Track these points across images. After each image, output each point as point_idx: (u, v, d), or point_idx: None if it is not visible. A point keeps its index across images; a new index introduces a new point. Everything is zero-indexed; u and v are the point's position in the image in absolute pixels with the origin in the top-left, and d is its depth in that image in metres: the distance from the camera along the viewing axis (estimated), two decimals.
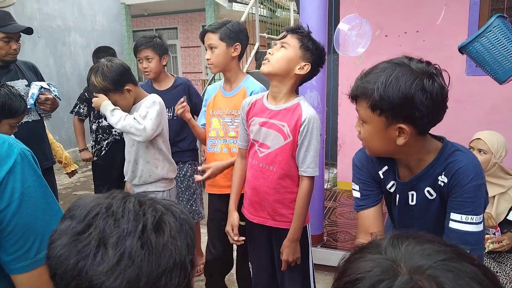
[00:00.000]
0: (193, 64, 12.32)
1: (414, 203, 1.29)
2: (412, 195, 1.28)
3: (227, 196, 2.00)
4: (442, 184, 1.21)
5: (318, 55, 1.75)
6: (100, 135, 3.31)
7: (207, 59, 2.09)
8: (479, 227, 1.18)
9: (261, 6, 8.52)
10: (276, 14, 9.99)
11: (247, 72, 6.55)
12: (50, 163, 2.80)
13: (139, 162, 2.18)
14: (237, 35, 2.07)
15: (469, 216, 1.17)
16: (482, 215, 1.19)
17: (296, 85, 1.79)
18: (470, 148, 2.35)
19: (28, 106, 2.49)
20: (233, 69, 2.14)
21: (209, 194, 2.30)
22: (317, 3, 2.49)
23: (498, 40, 2.10)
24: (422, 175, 1.24)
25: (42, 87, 2.57)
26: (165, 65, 2.82)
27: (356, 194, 1.40)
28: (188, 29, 12.06)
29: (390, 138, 1.17)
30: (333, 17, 2.92)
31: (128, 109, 2.12)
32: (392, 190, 1.34)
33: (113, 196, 0.63)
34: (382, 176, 1.34)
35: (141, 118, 2.01)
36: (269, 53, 1.74)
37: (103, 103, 2.04)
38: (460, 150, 1.23)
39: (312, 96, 2.57)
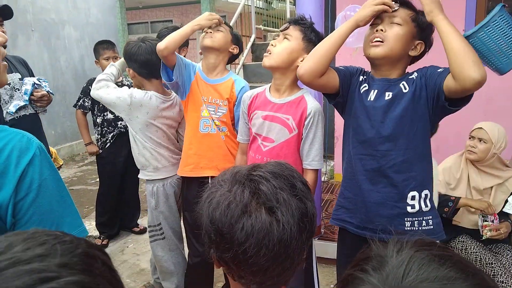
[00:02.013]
0: (189, 57, 12.25)
1: (389, 97, 1.53)
2: (388, 94, 1.54)
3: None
4: (414, 77, 1.52)
5: None
6: (106, 128, 3.35)
7: (210, 32, 2.06)
8: None
9: None
10: (272, 5, 9.92)
11: (244, 65, 6.54)
12: None
13: (134, 147, 2.35)
14: (238, 40, 2.18)
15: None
16: None
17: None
18: (470, 138, 2.37)
19: (23, 102, 2.52)
20: (222, 60, 2.14)
21: (185, 179, 2.19)
22: None
23: (503, 30, 2.11)
24: (400, 78, 1.54)
25: (34, 83, 2.59)
26: (184, 56, 2.82)
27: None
28: (184, 22, 11.91)
29: (408, 47, 1.51)
30: (329, 9, 2.90)
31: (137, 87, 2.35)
32: (364, 89, 1.61)
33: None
34: (360, 79, 1.62)
35: (108, 86, 2.26)
36: (272, 45, 1.73)
37: (118, 62, 2.47)
38: None
39: (308, 88, 2.55)
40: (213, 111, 2.09)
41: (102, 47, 3.37)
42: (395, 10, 1.49)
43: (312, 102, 1.73)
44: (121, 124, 3.34)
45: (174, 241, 2.41)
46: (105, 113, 3.32)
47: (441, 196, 2.32)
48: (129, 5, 11.08)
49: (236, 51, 2.16)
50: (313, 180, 1.75)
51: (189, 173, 2.14)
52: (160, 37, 2.85)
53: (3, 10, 2.42)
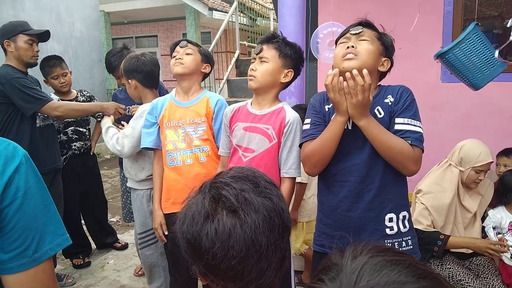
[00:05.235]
0: (165, 72, 12.26)
1: None
2: None
3: None
4: (390, 102, 1.55)
5: (298, 58, 1.79)
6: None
7: (179, 58, 2.05)
8: (419, 129, 1.50)
9: (241, 14, 8.56)
10: (257, 22, 10.06)
11: (228, 80, 6.57)
12: (61, 164, 2.99)
13: (131, 159, 2.39)
14: (208, 59, 2.17)
15: (410, 120, 1.50)
16: (419, 123, 1.52)
17: (280, 91, 1.83)
18: (477, 172, 2.29)
19: None
20: (196, 81, 2.14)
21: (167, 215, 2.11)
22: (294, 10, 2.53)
23: (476, 47, 2.17)
24: (375, 97, 1.56)
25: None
26: None
27: (307, 127, 1.64)
28: (169, 37, 12.04)
29: (377, 63, 1.56)
30: (309, 25, 2.96)
31: (134, 98, 2.46)
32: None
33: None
34: (327, 110, 1.64)
35: (124, 135, 2.28)
36: (252, 69, 1.76)
37: (105, 119, 2.53)
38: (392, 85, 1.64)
39: (291, 102, 2.58)
40: (193, 131, 2.06)
41: (48, 65, 3.11)
42: (360, 32, 1.55)
43: (291, 112, 1.77)
44: (75, 145, 3.21)
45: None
46: (59, 135, 3.15)
47: (427, 233, 2.28)
48: (114, 20, 11.09)
49: (208, 69, 2.16)
50: (289, 189, 1.75)
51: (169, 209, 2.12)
52: (107, 59, 2.97)
53: (45, 33, 2.77)
